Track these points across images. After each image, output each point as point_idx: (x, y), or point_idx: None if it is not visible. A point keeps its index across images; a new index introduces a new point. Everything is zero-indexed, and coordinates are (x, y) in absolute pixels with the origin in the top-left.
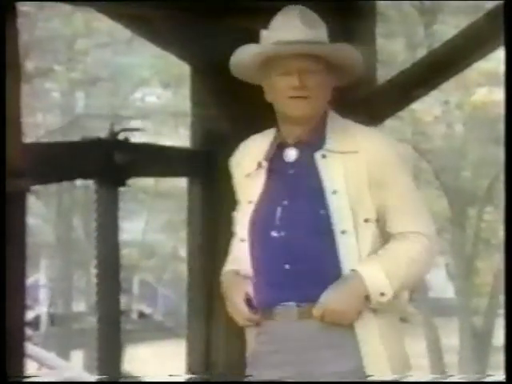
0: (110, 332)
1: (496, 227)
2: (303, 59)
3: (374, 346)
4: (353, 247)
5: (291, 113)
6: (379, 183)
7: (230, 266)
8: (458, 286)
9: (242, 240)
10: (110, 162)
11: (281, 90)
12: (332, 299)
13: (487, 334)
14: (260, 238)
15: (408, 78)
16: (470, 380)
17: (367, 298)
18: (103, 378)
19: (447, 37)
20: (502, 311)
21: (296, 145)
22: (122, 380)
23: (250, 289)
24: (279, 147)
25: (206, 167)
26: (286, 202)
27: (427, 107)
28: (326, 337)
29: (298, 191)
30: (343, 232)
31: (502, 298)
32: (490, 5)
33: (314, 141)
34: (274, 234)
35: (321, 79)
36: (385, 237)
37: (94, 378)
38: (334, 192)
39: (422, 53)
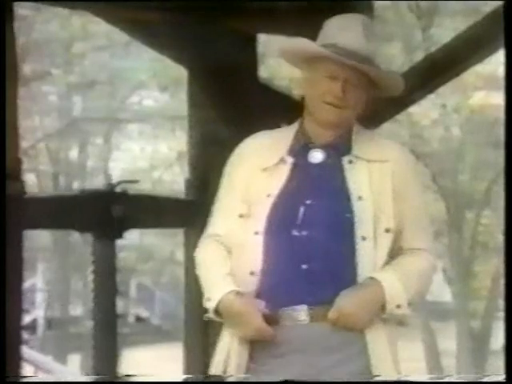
0: (107, 336)
1: (494, 231)
2: (352, 70)
3: (382, 351)
4: (370, 254)
5: (323, 117)
6: (401, 196)
7: (228, 286)
8: (455, 290)
9: (257, 232)
10: (108, 215)
11: (320, 93)
12: (349, 303)
13: (485, 338)
14: (279, 235)
15: (405, 81)
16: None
17: (383, 307)
18: (100, 378)
19: (445, 40)
20: (499, 314)
21: (323, 147)
22: (120, 380)
23: (261, 305)
24: (304, 146)
25: (202, 218)
26: (308, 202)
27: (424, 110)
28: (335, 340)
29: (322, 192)
30: (364, 238)
31: (499, 302)
32: (487, 8)
33: (340, 145)
34: (296, 232)
35: (361, 93)
36: (395, 248)
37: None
38: (360, 198)
39: (419, 56)
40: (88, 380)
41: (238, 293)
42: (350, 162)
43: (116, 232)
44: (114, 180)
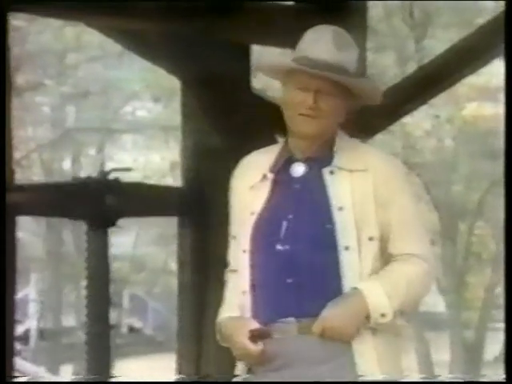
0: (100, 346)
1: (487, 241)
2: (323, 80)
3: (370, 362)
4: (355, 264)
5: (298, 129)
6: (385, 203)
7: (227, 313)
8: (448, 300)
9: (244, 251)
10: (101, 204)
11: (294, 105)
12: (332, 316)
13: (478, 348)
14: (264, 250)
15: (398, 92)
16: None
17: (367, 317)
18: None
19: (438, 51)
20: (493, 325)
21: (305, 160)
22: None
23: (253, 324)
24: (287, 161)
25: (196, 206)
26: (291, 216)
27: (418, 121)
28: (324, 352)
29: (303, 206)
30: (346, 248)
31: (493, 312)
32: (480, 20)
33: (322, 157)
34: (279, 247)
35: (336, 102)
36: (384, 256)
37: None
38: (340, 208)
39: (412, 67)
40: (84, 380)
41: (231, 318)
42: (331, 172)
43: (109, 220)
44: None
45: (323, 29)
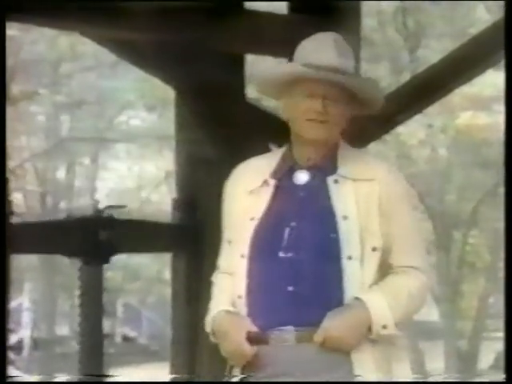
0: (94, 356)
1: (481, 250)
2: (329, 86)
3: (369, 373)
4: (357, 274)
5: (306, 135)
6: (389, 214)
7: (220, 306)
8: (442, 310)
9: (242, 256)
10: (95, 240)
11: (302, 112)
12: (335, 326)
13: (472, 358)
14: (265, 256)
15: (392, 101)
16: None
17: (369, 328)
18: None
19: (431, 61)
20: (487, 334)
21: (308, 168)
22: (109, 380)
23: (251, 326)
24: (290, 169)
25: (190, 242)
26: (294, 224)
27: (411, 131)
28: (322, 362)
29: (307, 213)
30: (349, 258)
31: (487, 322)
32: (473, 30)
33: (325, 165)
34: (282, 254)
35: (342, 108)
36: (384, 266)
37: None
38: (345, 217)
39: (406, 77)
40: (79, 380)
41: (227, 312)
42: (336, 181)
43: (103, 257)
44: (102, 200)
45: (324, 36)
